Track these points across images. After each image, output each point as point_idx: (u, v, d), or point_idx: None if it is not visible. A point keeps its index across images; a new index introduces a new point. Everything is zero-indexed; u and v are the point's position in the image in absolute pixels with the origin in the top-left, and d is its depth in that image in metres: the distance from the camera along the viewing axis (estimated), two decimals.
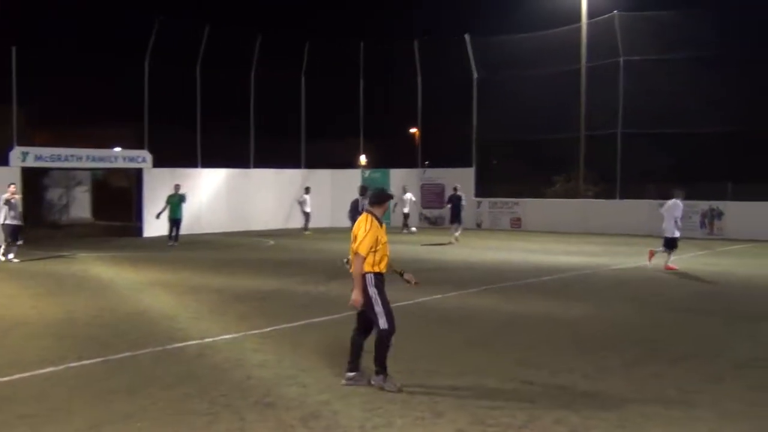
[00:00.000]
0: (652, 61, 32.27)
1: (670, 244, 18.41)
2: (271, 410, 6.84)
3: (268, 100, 34.46)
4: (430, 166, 36.71)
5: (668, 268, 18.09)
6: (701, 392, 7.45)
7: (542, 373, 8.15)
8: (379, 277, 7.52)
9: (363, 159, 42.35)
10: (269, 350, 9.25)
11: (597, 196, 35.54)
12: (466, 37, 35.11)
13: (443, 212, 33.14)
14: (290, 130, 36.00)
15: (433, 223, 33.80)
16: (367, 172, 36.79)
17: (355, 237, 7.53)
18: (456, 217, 26.13)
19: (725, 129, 32.96)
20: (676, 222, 18.26)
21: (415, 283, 7.86)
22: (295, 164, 35.39)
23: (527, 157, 39.37)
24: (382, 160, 42.14)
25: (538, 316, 11.65)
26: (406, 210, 31.46)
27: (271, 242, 26.61)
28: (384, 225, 7.69)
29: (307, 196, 31.11)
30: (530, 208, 33.28)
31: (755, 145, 34.39)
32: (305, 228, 30.73)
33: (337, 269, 18.06)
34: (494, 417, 6.65)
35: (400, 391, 7.34)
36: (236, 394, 7.35)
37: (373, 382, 7.48)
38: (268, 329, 10.58)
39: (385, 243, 7.58)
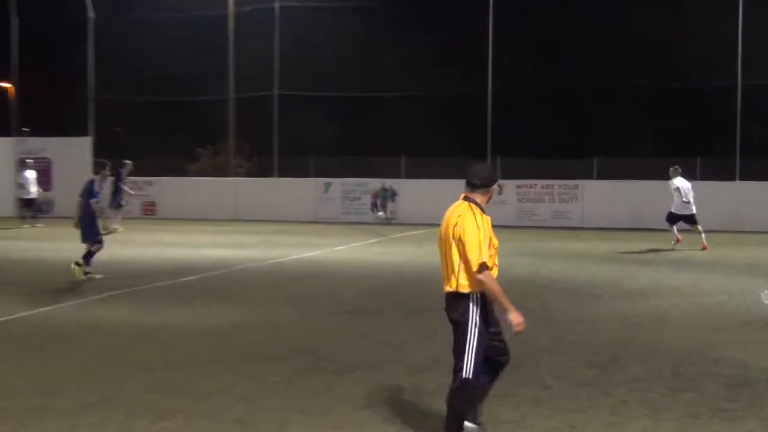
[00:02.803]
0: (313, 8, 33.77)
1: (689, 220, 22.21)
2: None
3: None
4: (31, 133, 34.91)
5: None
6: (373, 406, 7.98)
7: (185, 399, 8.18)
8: (485, 299, 6.57)
9: None
10: None
11: (251, 173, 36.54)
12: None
13: (52, 195, 31.75)
14: None
15: (39, 210, 32.19)
16: None
17: (460, 240, 6.41)
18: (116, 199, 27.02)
19: (401, 94, 35.53)
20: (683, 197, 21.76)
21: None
22: None
23: (162, 124, 39.18)
24: None
25: (178, 327, 11.65)
26: (32, 192, 29.33)
27: None
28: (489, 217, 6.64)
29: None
30: (167, 189, 33.17)
31: (431, 112, 37.59)
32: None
33: None
34: None
35: None
36: None
37: None
38: None
39: (497, 246, 6.64)
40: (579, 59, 37.15)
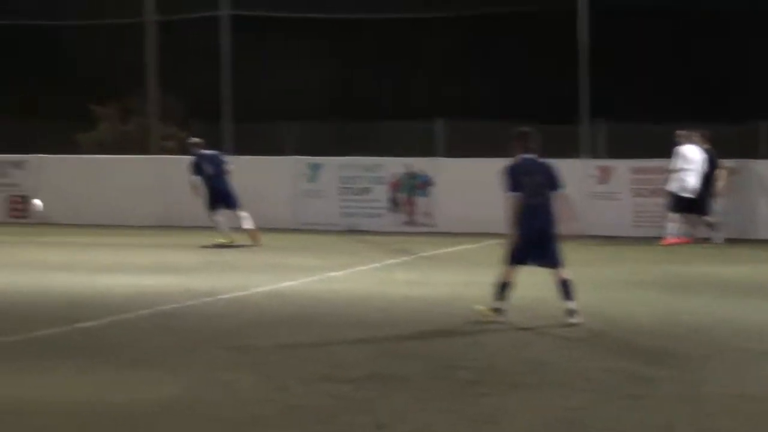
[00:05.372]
0: None
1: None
2: None
3: None
4: None
5: None
6: None
7: None
8: None
9: None
10: None
11: (187, 149, 36.28)
12: None
13: None
14: None
15: None
16: None
17: None
18: None
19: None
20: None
21: None
22: None
23: (31, 63, 39.22)
24: None
25: (69, 406, 11.60)
26: None
27: None
28: None
29: None
30: (48, 175, 33.09)
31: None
32: None
33: None
34: None
35: None
36: None
37: None
38: None
39: None
40: None
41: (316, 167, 31.59)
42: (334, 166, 31.56)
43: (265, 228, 29.46)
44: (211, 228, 27.62)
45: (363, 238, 29.14)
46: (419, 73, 41.26)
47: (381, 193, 31.13)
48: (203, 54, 35.54)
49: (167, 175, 32.32)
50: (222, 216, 27.51)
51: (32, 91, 40.71)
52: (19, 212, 32.66)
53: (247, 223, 27.41)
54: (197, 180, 27.65)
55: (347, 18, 36.17)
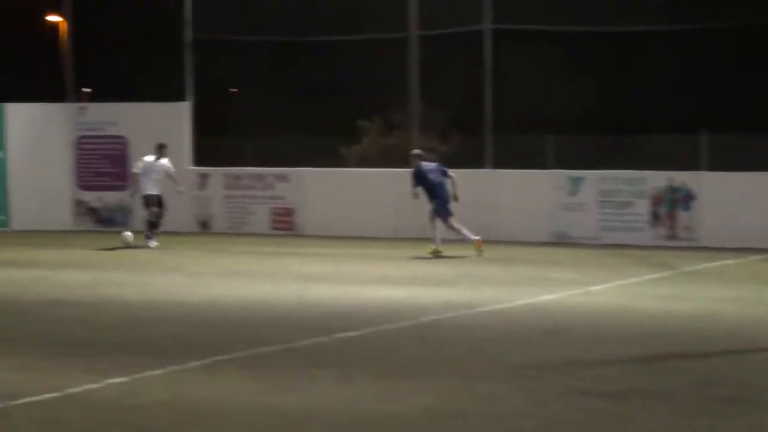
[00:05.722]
0: None
1: None
2: None
3: None
4: (93, 97, 36.06)
5: None
6: None
7: None
8: None
9: None
10: None
11: (452, 162, 36.59)
12: None
13: (128, 199, 32.55)
14: None
15: (109, 221, 33.30)
16: None
17: None
18: None
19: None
20: None
21: None
22: None
23: (300, 80, 39.84)
24: None
25: (331, 414, 11.70)
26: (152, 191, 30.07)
27: None
28: None
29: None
30: (313, 187, 33.54)
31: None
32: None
33: None
34: None
35: None
36: None
37: None
38: None
39: None
40: None
41: (576, 180, 31.42)
42: (594, 179, 31.33)
43: (523, 241, 29.58)
44: (457, 240, 27.76)
45: (623, 252, 28.87)
46: (682, 85, 40.71)
47: (642, 207, 30.79)
48: (464, 67, 35.64)
49: None
50: (457, 224, 27.86)
51: (300, 107, 41.49)
52: (282, 224, 33.16)
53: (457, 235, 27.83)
54: (419, 191, 27.92)
55: (607, 31, 35.94)
